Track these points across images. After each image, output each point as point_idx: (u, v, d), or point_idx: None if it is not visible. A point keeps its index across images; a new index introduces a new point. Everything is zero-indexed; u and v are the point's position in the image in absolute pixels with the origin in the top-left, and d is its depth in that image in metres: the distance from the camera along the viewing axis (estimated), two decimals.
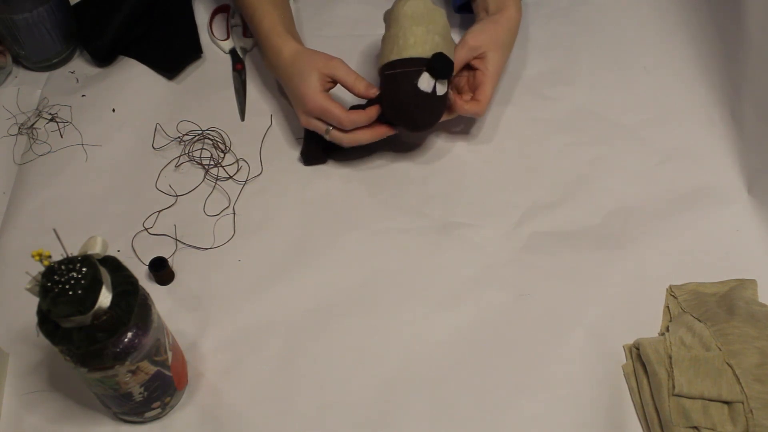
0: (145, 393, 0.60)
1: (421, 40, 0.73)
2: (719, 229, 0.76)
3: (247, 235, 0.77)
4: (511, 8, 0.80)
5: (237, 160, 0.83)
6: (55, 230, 0.53)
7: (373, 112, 0.76)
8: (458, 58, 0.77)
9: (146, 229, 0.78)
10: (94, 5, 0.91)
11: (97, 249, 0.55)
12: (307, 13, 0.98)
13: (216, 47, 0.95)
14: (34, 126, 0.86)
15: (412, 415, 0.66)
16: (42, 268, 0.52)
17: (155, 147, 0.85)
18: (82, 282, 0.51)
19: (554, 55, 0.93)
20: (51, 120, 0.87)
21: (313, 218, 0.79)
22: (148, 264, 0.73)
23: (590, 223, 0.78)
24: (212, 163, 0.83)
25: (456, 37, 0.79)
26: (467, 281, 0.73)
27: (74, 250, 0.54)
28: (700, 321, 0.68)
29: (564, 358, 0.68)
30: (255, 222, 0.78)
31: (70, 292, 0.50)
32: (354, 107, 0.78)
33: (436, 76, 0.73)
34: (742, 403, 0.62)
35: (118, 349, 0.54)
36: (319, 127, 0.77)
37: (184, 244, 0.77)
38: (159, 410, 0.64)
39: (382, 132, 0.78)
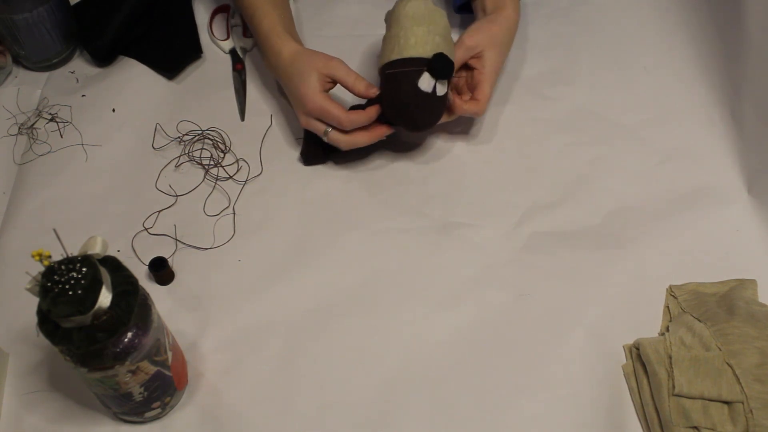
0: (145, 393, 0.60)
1: (421, 40, 0.73)
2: (719, 229, 0.76)
3: (247, 235, 0.77)
4: (508, 8, 0.80)
5: (237, 160, 0.83)
6: (55, 230, 0.53)
7: (372, 112, 0.76)
8: (456, 59, 0.77)
9: (146, 229, 0.78)
10: (94, 5, 0.91)
11: (97, 249, 0.55)
12: (307, 13, 0.98)
13: (216, 47, 0.95)
14: (34, 126, 0.86)
15: (412, 415, 0.66)
16: (42, 268, 0.52)
17: (155, 147, 0.85)
18: (82, 282, 0.51)
19: (554, 55, 0.93)
20: (51, 120, 0.87)
21: (313, 218, 0.79)
22: (148, 264, 0.73)
23: (590, 223, 0.78)
24: (212, 163, 0.83)
25: (456, 37, 0.79)
26: (467, 281, 0.74)
27: (74, 250, 0.54)
28: (700, 321, 0.68)
29: (564, 358, 0.68)
30: (255, 222, 0.78)
31: (70, 292, 0.50)
32: (354, 107, 0.78)
33: (437, 76, 0.73)
34: (742, 403, 0.62)
35: (118, 349, 0.54)
36: (318, 128, 0.77)
37: (184, 244, 0.77)
38: (159, 410, 0.64)
39: (380, 133, 0.78)
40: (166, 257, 0.73)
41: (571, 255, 0.75)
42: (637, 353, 0.67)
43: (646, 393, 0.65)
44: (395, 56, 0.74)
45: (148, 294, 0.58)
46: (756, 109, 0.80)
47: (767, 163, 0.78)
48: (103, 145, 0.85)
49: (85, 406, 0.66)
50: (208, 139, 0.85)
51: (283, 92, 0.88)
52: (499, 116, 0.87)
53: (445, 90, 0.75)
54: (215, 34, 0.96)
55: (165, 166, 0.83)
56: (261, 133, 0.86)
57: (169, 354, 0.62)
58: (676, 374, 0.63)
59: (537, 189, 0.80)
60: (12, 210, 0.80)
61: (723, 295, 0.71)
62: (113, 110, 0.87)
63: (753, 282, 0.72)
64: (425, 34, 0.73)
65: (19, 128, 0.87)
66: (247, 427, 0.65)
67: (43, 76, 0.92)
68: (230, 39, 0.95)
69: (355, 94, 0.77)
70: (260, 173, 0.82)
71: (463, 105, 0.78)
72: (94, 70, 0.93)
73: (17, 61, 0.93)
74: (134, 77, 0.90)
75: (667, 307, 0.71)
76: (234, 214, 0.79)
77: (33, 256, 0.51)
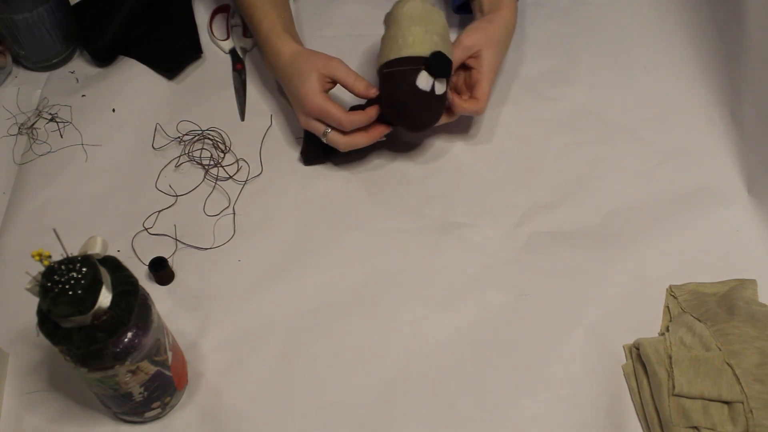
0: (145, 393, 0.60)
1: (419, 39, 0.73)
2: (719, 229, 0.76)
3: (247, 235, 0.77)
4: (504, 8, 0.80)
5: (237, 160, 0.83)
6: (55, 230, 0.53)
7: (372, 112, 0.76)
8: (453, 59, 0.77)
9: (146, 229, 0.78)
10: (94, 5, 0.91)
11: (97, 249, 0.55)
12: (307, 13, 0.98)
13: (216, 47, 0.95)
14: (34, 126, 0.86)
15: (412, 415, 0.66)
16: (42, 268, 0.52)
17: (155, 147, 0.85)
18: (82, 282, 0.51)
19: (554, 55, 0.93)
20: (51, 120, 0.87)
21: (313, 218, 0.79)
22: (148, 264, 0.73)
23: (590, 223, 0.78)
24: (212, 163, 0.83)
25: (455, 37, 0.79)
26: (467, 281, 0.73)
27: (74, 250, 0.54)
28: (700, 321, 0.68)
29: (564, 358, 0.68)
30: (255, 222, 0.78)
31: (70, 292, 0.50)
32: (354, 108, 0.78)
33: (435, 74, 0.73)
34: (742, 403, 0.62)
35: (118, 349, 0.54)
36: (317, 128, 0.77)
37: (184, 244, 0.77)
38: (159, 410, 0.64)
39: (378, 133, 0.78)
40: (166, 257, 0.73)
41: (571, 255, 0.75)
42: (637, 353, 0.67)
43: (646, 393, 0.65)
44: (393, 56, 0.74)
45: (148, 294, 0.58)
46: (756, 109, 0.80)
47: (767, 163, 0.78)
48: (103, 145, 0.85)
49: (85, 406, 0.66)
50: (208, 139, 0.85)
51: (283, 92, 0.88)
52: (498, 116, 0.87)
53: (444, 89, 0.75)
54: (215, 34, 0.96)
55: (165, 166, 0.83)
56: (261, 133, 0.86)
57: (169, 354, 0.62)
58: (676, 374, 0.63)
59: (537, 189, 0.80)
60: (12, 210, 0.80)
61: (723, 295, 0.71)
62: (113, 110, 0.87)
63: (753, 282, 0.72)
64: (423, 34, 0.73)
65: (19, 128, 0.87)
66: (247, 427, 0.65)
67: (43, 76, 0.92)
68: (230, 39, 0.95)
69: (354, 94, 0.77)
70: (260, 173, 0.82)
71: (462, 104, 0.78)
72: (94, 70, 0.93)
73: (17, 61, 0.93)
74: (134, 77, 0.90)
75: (667, 307, 0.71)
76: (234, 214, 0.79)
77: (33, 256, 0.51)
